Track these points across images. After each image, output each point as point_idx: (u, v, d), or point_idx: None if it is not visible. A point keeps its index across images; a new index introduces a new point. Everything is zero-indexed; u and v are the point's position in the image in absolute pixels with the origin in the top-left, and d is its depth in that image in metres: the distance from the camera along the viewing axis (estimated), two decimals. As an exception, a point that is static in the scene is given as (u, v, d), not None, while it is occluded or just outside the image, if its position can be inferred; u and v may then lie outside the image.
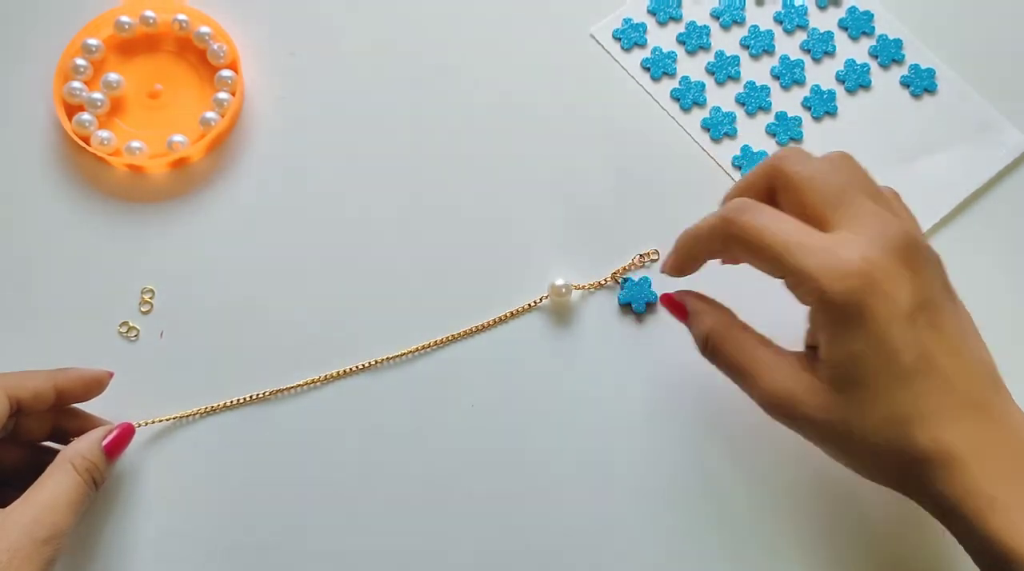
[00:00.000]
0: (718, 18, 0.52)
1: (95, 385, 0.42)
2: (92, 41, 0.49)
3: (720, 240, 0.37)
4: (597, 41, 0.52)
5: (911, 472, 0.34)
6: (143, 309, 0.47)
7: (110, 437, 0.40)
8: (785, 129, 0.50)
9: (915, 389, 0.34)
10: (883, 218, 0.35)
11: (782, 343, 0.39)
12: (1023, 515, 0.32)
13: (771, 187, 0.38)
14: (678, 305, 0.41)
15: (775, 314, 0.39)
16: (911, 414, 0.34)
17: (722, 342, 0.38)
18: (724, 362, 0.39)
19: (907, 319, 0.34)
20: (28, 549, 0.35)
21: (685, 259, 0.40)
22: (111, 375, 0.43)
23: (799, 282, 0.35)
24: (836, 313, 0.34)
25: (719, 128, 0.50)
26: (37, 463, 0.39)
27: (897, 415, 0.34)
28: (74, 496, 0.37)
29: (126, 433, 0.41)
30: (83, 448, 0.39)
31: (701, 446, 0.46)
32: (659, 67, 0.51)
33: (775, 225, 0.35)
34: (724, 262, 0.41)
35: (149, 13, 0.50)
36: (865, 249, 0.34)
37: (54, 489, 0.37)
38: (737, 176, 0.50)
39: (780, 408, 0.36)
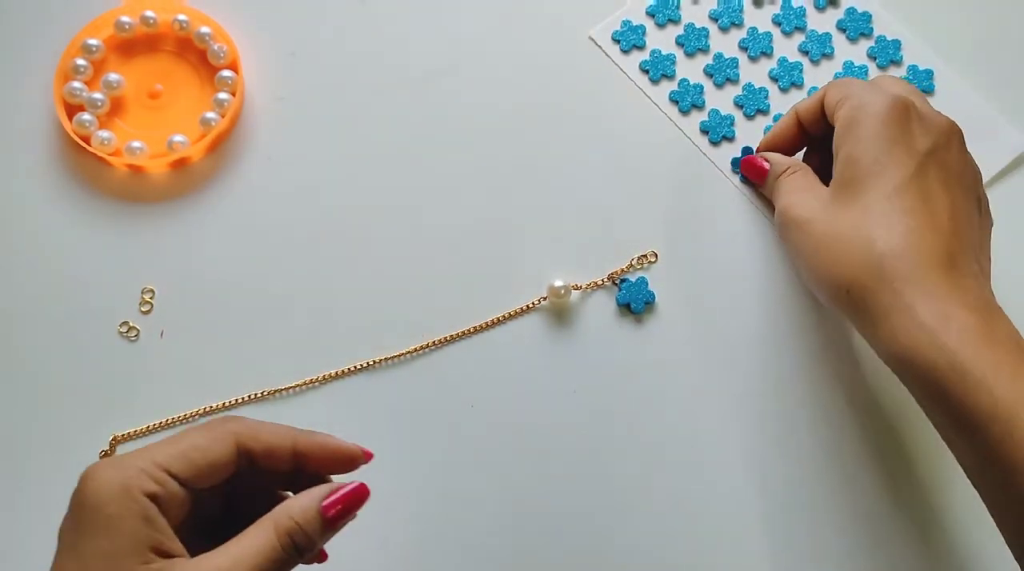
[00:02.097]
0: (716, 20, 0.52)
1: (345, 461, 0.35)
2: (92, 41, 0.49)
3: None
4: (596, 44, 0.52)
5: (861, 280, 0.38)
6: (143, 309, 0.47)
7: (332, 498, 0.32)
8: (784, 130, 0.50)
9: (896, 208, 0.39)
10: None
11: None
12: (935, 328, 0.36)
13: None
14: (756, 167, 0.48)
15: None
16: (882, 228, 0.38)
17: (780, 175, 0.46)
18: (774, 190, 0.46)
19: (914, 151, 0.39)
20: None
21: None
22: (368, 456, 0.35)
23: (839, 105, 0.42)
24: (855, 119, 0.41)
25: (718, 131, 0.50)
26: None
27: (868, 222, 0.39)
28: (260, 560, 0.30)
29: (354, 495, 0.33)
30: (294, 508, 0.32)
31: (699, 446, 0.46)
32: (658, 69, 0.51)
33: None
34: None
35: (149, 13, 0.50)
36: (901, 90, 0.42)
37: (243, 548, 0.30)
38: (736, 179, 0.50)
39: (781, 215, 0.44)
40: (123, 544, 0.29)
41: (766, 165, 0.47)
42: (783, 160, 0.47)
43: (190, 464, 0.31)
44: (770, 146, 0.48)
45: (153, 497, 0.30)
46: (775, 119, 0.51)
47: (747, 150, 0.49)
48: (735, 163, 0.49)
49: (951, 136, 0.41)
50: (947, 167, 0.40)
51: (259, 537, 0.31)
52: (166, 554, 0.30)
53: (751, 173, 0.48)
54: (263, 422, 0.34)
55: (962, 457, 0.38)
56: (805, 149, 0.48)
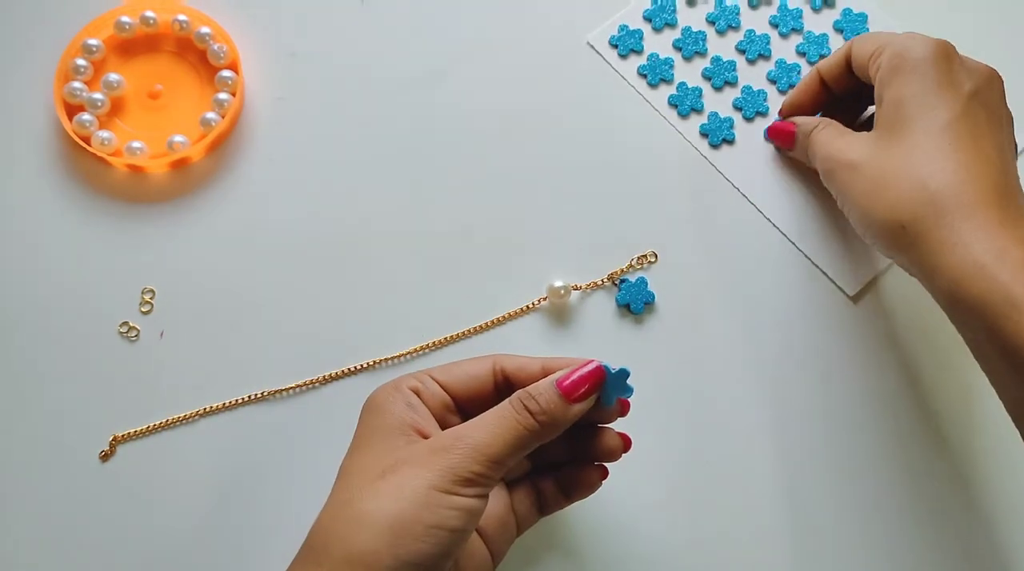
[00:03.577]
0: (714, 23, 0.53)
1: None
2: (92, 41, 0.49)
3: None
4: (594, 48, 0.52)
5: (918, 215, 0.38)
6: (143, 309, 0.47)
7: (570, 378, 0.36)
8: (781, 132, 0.51)
9: (947, 144, 0.39)
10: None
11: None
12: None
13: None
14: (784, 131, 0.48)
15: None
16: (935, 164, 0.39)
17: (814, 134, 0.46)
18: (810, 146, 0.46)
19: (961, 91, 0.40)
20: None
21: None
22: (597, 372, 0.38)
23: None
24: (901, 62, 0.41)
25: (717, 134, 0.51)
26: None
27: (921, 159, 0.39)
28: (500, 427, 0.35)
29: (588, 373, 0.37)
30: (532, 386, 0.36)
31: (699, 445, 0.46)
32: (656, 73, 0.52)
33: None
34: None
35: (149, 13, 0.50)
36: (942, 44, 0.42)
37: (485, 416, 0.36)
38: (734, 180, 0.50)
39: (826, 161, 0.44)
40: (391, 421, 0.36)
41: (793, 126, 0.48)
42: (809, 119, 0.47)
43: (448, 373, 0.39)
44: (793, 107, 0.49)
45: (416, 392, 0.37)
46: (775, 118, 0.51)
47: (623, 373, 0.40)
48: (766, 133, 0.51)
49: (993, 80, 0.42)
50: (991, 109, 0.41)
51: (498, 409, 0.36)
52: (426, 435, 0.36)
53: (780, 138, 0.49)
54: (520, 354, 0.40)
55: (1010, 392, 0.38)
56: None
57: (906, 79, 0.41)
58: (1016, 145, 0.43)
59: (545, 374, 0.38)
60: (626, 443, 0.40)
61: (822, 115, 0.48)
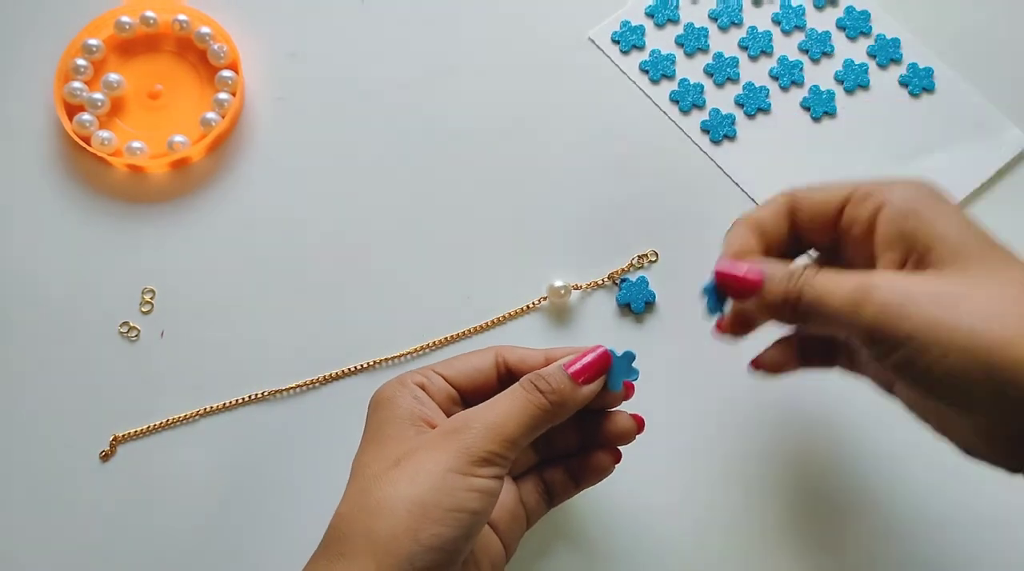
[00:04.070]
0: (716, 20, 0.52)
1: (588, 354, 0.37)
2: (92, 41, 0.49)
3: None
4: (596, 44, 0.52)
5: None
6: (143, 309, 0.47)
7: (577, 363, 0.37)
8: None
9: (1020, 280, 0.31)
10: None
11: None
12: None
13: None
14: (745, 280, 0.35)
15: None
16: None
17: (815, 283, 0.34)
18: (822, 305, 0.33)
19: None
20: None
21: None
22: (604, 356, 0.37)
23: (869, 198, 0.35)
24: (915, 198, 0.34)
25: (719, 130, 0.50)
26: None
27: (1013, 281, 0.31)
28: (511, 407, 0.35)
29: (597, 359, 0.37)
30: (542, 369, 0.37)
31: (700, 444, 0.46)
32: (658, 69, 0.51)
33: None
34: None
35: (149, 13, 0.50)
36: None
37: (496, 399, 0.36)
38: (736, 177, 0.50)
39: (893, 306, 0.31)
40: (399, 413, 0.36)
41: (755, 272, 0.35)
42: (780, 263, 0.35)
43: (451, 367, 0.39)
44: (741, 252, 0.37)
45: (421, 386, 0.37)
46: (775, 116, 0.51)
47: (628, 356, 0.39)
48: (707, 296, 0.37)
49: None
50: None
51: (508, 391, 0.36)
52: (435, 426, 0.36)
53: (736, 284, 0.35)
54: (521, 346, 0.40)
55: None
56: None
57: (944, 213, 0.33)
58: None
59: (548, 363, 0.38)
60: (639, 424, 0.40)
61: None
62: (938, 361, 0.30)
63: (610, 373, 0.38)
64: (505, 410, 0.35)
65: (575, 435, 0.40)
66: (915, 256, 0.33)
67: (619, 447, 0.40)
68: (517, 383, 0.36)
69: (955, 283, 0.31)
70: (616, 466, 0.40)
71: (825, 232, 0.37)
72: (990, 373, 0.29)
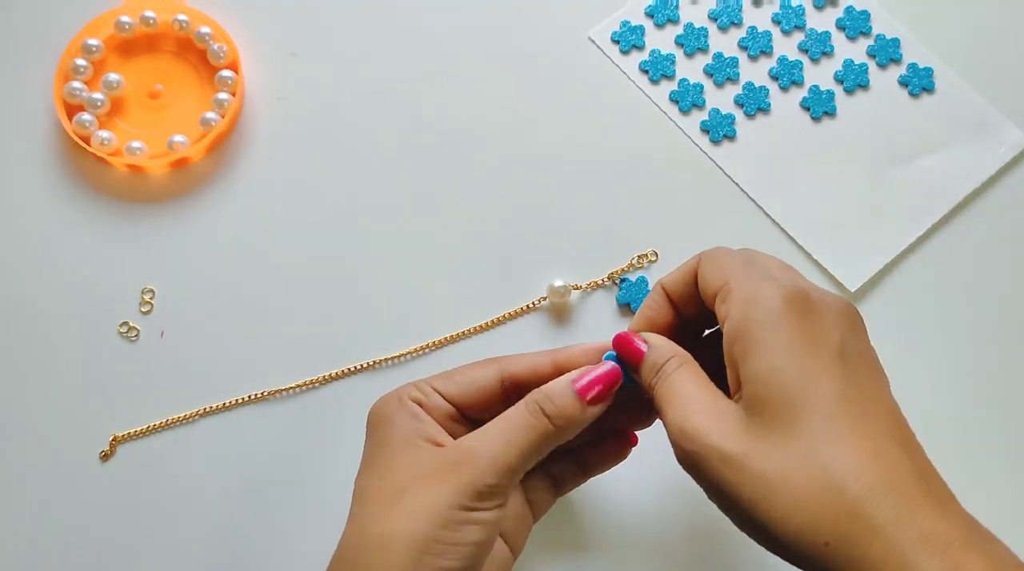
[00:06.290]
0: (716, 20, 0.52)
1: (596, 352, 0.37)
2: (92, 41, 0.49)
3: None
4: (595, 44, 0.52)
5: (842, 530, 0.29)
6: (143, 309, 0.47)
7: (584, 378, 0.35)
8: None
9: (847, 429, 0.30)
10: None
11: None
12: None
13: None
14: (631, 348, 0.36)
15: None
16: (846, 459, 0.30)
17: (669, 372, 0.35)
18: (657, 394, 0.35)
19: (832, 351, 0.32)
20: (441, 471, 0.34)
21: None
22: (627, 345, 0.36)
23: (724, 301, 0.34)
24: (749, 322, 0.32)
25: (719, 130, 0.50)
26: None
27: (824, 452, 0.30)
28: (514, 434, 0.34)
29: (604, 373, 0.35)
30: (548, 387, 0.35)
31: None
32: (658, 69, 0.51)
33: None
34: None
35: (149, 13, 0.50)
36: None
37: (498, 423, 0.35)
38: (736, 177, 0.50)
39: (685, 438, 0.32)
40: (399, 433, 0.35)
41: (642, 346, 0.36)
42: (665, 345, 0.36)
43: (451, 381, 0.37)
44: (643, 324, 0.38)
45: (418, 402, 0.36)
46: (774, 116, 0.51)
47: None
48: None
49: (853, 317, 0.34)
50: (863, 357, 0.33)
51: (510, 415, 0.35)
52: (436, 444, 0.35)
53: (625, 353, 0.36)
54: (526, 353, 0.38)
55: None
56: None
57: (765, 345, 0.32)
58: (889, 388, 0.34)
59: (557, 372, 0.37)
60: None
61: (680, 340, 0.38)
62: (764, 533, 0.31)
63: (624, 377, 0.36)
64: (508, 438, 0.34)
65: (588, 429, 0.37)
66: (738, 386, 0.33)
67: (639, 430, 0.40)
68: (522, 403, 0.35)
69: (766, 445, 0.31)
70: (629, 453, 0.40)
71: (693, 308, 0.37)
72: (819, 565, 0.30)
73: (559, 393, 0.34)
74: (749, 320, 0.32)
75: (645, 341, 0.36)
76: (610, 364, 0.36)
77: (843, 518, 0.29)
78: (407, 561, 0.32)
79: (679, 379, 0.34)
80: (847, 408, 0.31)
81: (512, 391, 0.37)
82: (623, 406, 0.37)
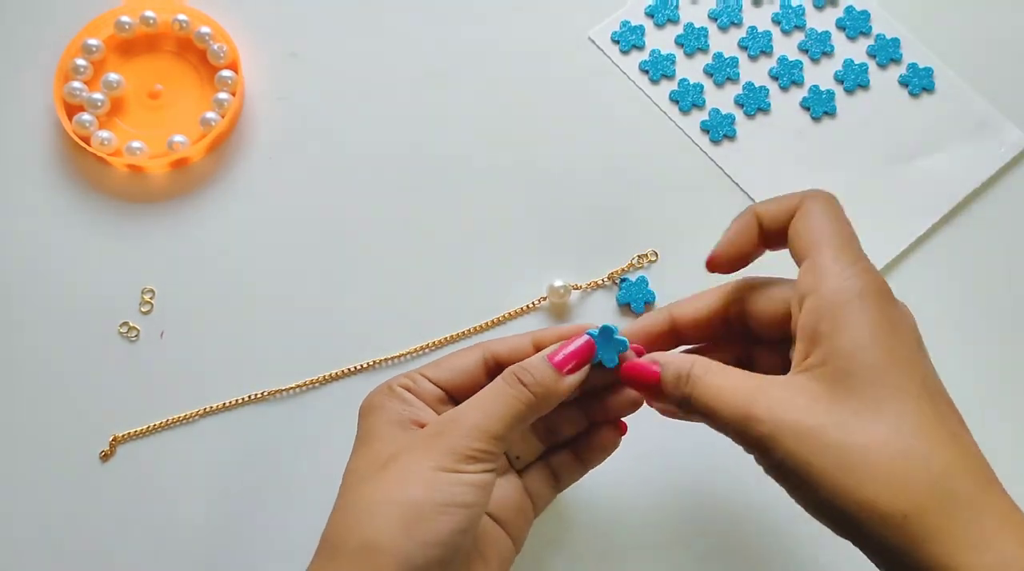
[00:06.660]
0: (716, 20, 0.53)
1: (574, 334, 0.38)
2: (92, 41, 0.49)
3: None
4: (596, 44, 0.52)
5: (925, 505, 0.30)
6: (143, 309, 0.47)
7: (561, 352, 0.36)
8: (784, 130, 0.51)
9: (930, 412, 0.31)
10: None
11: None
12: None
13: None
14: (644, 373, 0.36)
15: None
16: (932, 439, 0.31)
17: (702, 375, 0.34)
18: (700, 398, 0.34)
19: (914, 339, 0.33)
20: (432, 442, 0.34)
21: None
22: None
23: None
24: (840, 298, 0.32)
25: (719, 130, 0.50)
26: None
27: (910, 430, 0.31)
28: (493, 402, 0.35)
29: (581, 347, 0.36)
30: (525, 361, 0.36)
31: (701, 442, 0.46)
32: (658, 69, 0.51)
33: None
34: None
35: (149, 13, 0.50)
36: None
37: (479, 395, 0.36)
38: (736, 177, 0.50)
39: (755, 422, 0.32)
40: (388, 417, 0.36)
41: (654, 367, 0.35)
42: (677, 356, 0.36)
43: (438, 368, 0.38)
44: (730, 252, 0.37)
45: (407, 388, 0.37)
46: (774, 116, 0.51)
47: (606, 330, 0.37)
48: (607, 353, 0.37)
49: (911, 317, 0.35)
50: (926, 354, 0.34)
51: (491, 386, 0.36)
52: (423, 425, 0.36)
53: (640, 379, 0.36)
54: (508, 336, 0.40)
55: None
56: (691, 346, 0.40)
57: (856, 325, 0.32)
58: None
59: (536, 348, 0.38)
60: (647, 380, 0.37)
61: (703, 349, 0.39)
62: (833, 506, 0.31)
63: (598, 353, 0.37)
64: (489, 407, 0.35)
65: (582, 419, 0.40)
66: (818, 359, 0.33)
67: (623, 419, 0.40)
68: (500, 376, 0.36)
69: (847, 418, 0.31)
70: (620, 442, 0.40)
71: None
72: (890, 543, 0.30)
73: (534, 364, 0.36)
74: (841, 298, 0.33)
75: (655, 362, 0.36)
76: (584, 337, 0.37)
77: (925, 491, 0.30)
78: (398, 524, 0.32)
79: (716, 376, 0.34)
80: (930, 394, 0.32)
81: (496, 372, 0.38)
82: (602, 393, 0.39)
